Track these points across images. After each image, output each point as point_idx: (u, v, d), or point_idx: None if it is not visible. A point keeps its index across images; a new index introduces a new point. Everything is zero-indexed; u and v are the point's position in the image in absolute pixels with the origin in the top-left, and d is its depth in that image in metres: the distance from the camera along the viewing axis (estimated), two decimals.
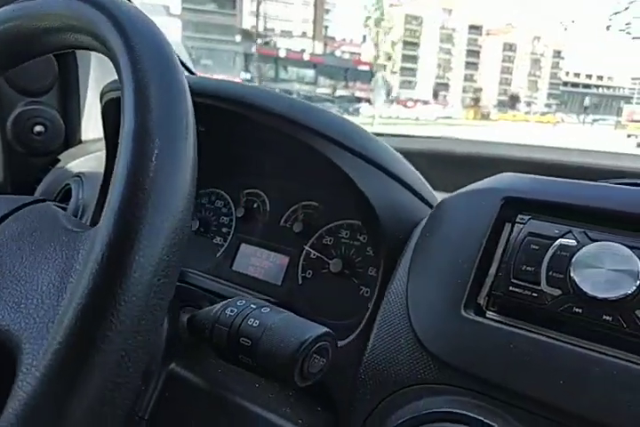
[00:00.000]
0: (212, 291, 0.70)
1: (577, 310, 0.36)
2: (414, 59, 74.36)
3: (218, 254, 0.74)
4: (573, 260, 0.36)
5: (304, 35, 60.98)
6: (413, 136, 0.95)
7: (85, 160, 1.01)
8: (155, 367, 0.47)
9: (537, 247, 0.39)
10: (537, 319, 0.38)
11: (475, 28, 78.20)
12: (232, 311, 0.39)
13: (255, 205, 0.74)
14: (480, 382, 0.38)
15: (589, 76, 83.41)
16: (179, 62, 0.35)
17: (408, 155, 0.59)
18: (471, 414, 0.37)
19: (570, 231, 0.38)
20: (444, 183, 0.65)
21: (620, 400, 0.34)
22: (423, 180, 0.58)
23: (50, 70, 1.04)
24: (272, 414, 0.45)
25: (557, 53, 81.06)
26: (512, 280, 0.39)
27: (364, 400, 0.44)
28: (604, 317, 0.35)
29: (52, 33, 0.39)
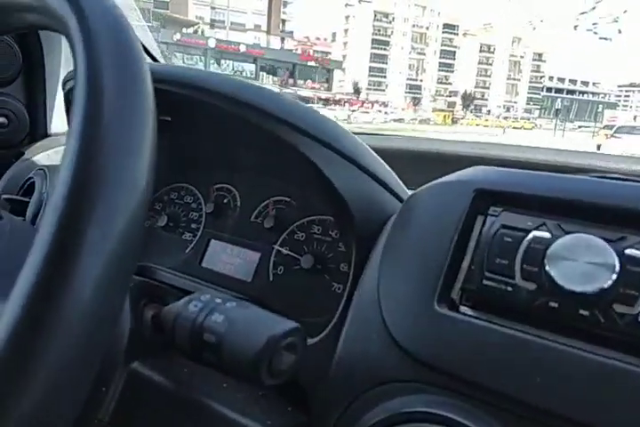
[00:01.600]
0: (181, 288, 0.68)
1: (553, 304, 0.35)
2: (384, 58, 73.25)
3: (187, 251, 0.73)
4: (548, 252, 0.35)
5: (257, 28, 58.24)
6: (388, 135, 0.95)
7: (51, 154, 0.98)
8: (116, 367, 0.45)
9: (510, 240, 0.38)
10: (512, 314, 0.37)
11: (450, 27, 77.44)
12: (195, 306, 0.37)
13: (225, 201, 0.72)
14: (454, 379, 0.37)
15: (574, 82, 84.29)
16: (140, 45, 0.33)
17: (381, 153, 0.58)
18: (446, 414, 0.36)
19: (544, 224, 0.37)
20: (416, 181, 0.64)
21: (597, 398, 0.33)
22: (394, 174, 0.57)
23: (14, 60, 1.00)
24: (239, 415, 0.44)
25: (538, 56, 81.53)
26: (485, 274, 0.38)
27: (337, 399, 0.43)
28: (581, 311, 0.34)
29: (8, 12, 0.37)
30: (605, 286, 0.33)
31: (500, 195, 0.41)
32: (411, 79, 74.12)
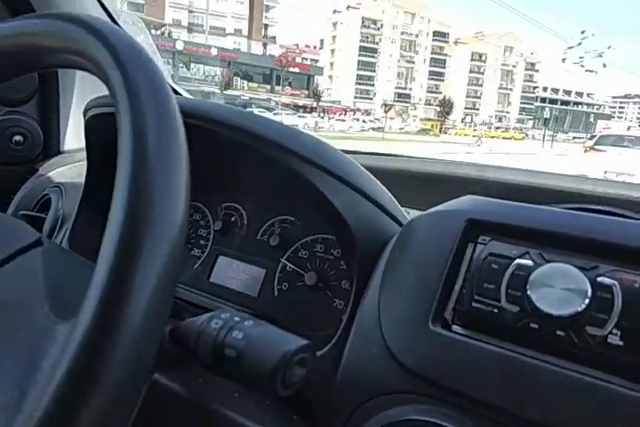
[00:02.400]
0: (191, 302, 0.72)
1: (533, 325, 0.40)
2: (372, 65, 71.45)
3: (195, 266, 0.76)
4: (530, 278, 0.40)
5: (238, 32, 55.58)
6: (382, 154, 0.99)
7: (65, 170, 1.02)
8: None
9: (497, 267, 0.42)
10: (498, 333, 0.42)
11: (440, 35, 75.64)
12: (217, 324, 0.41)
13: (233, 219, 0.76)
14: (446, 391, 0.42)
15: (568, 92, 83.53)
16: (171, 90, 0.37)
17: (375, 172, 0.62)
18: (437, 421, 0.40)
19: (527, 252, 0.42)
20: (409, 200, 0.69)
21: (572, 408, 0.37)
22: (392, 197, 0.61)
23: (30, 81, 1.04)
24: (250, 422, 0.48)
25: (531, 65, 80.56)
26: (474, 297, 0.43)
27: (340, 409, 0.47)
28: (558, 332, 0.39)
29: (47, 52, 0.40)
30: (579, 309, 0.38)
31: (488, 225, 0.45)
32: (399, 88, 72.39)
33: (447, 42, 75.76)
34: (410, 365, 0.43)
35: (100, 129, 0.68)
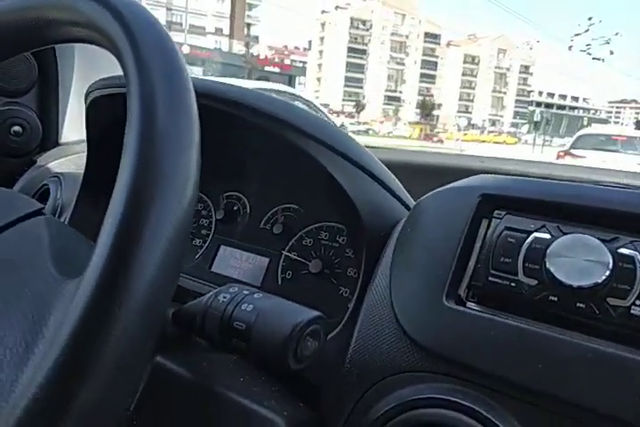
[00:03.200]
0: (192, 290, 0.70)
1: (552, 298, 0.39)
2: (361, 67, 70.66)
3: (197, 256, 0.75)
4: (548, 251, 0.39)
5: (219, 31, 54.22)
6: (392, 148, 0.99)
7: (63, 162, 1.01)
8: None
9: (513, 240, 0.41)
10: (515, 308, 0.41)
11: (432, 36, 74.88)
12: (224, 297, 0.40)
13: (235, 208, 0.75)
14: (462, 368, 0.40)
15: (563, 97, 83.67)
16: (183, 59, 0.36)
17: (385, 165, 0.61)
18: (456, 400, 0.39)
19: (544, 226, 0.41)
20: (418, 193, 0.68)
21: (593, 382, 0.36)
22: (400, 184, 0.61)
23: (30, 72, 1.04)
24: (257, 406, 0.46)
25: (525, 68, 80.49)
26: (491, 271, 0.41)
27: (351, 391, 0.45)
28: (578, 304, 0.38)
29: (55, 25, 0.39)
30: (600, 280, 0.37)
31: (503, 199, 0.44)
32: (389, 90, 71.43)
33: (439, 44, 75.15)
34: (424, 342, 0.42)
35: (103, 112, 0.67)
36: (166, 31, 0.36)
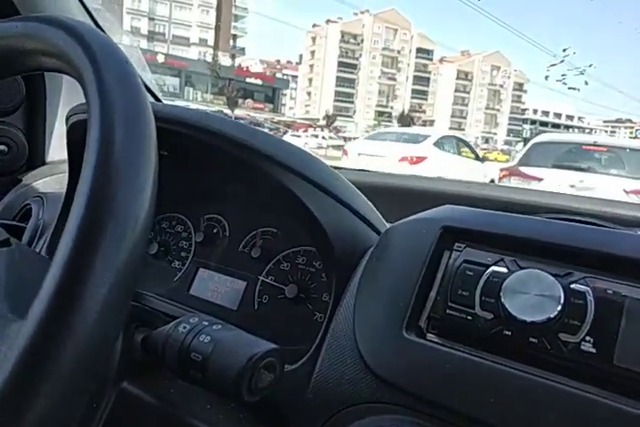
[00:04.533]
0: (168, 314, 0.70)
1: (507, 332, 0.39)
2: (352, 82, 69.35)
3: (175, 278, 0.75)
4: (504, 285, 0.40)
5: (203, 42, 52.88)
6: (368, 171, 1.00)
7: (48, 181, 1.02)
8: (107, 385, 0.48)
9: (472, 273, 0.42)
10: (472, 341, 0.41)
11: (424, 52, 73.26)
12: (184, 328, 0.40)
13: (215, 231, 0.75)
14: (420, 400, 0.41)
15: (558, 115, 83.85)
16: (144, 90, 0.37)
17: (361, 187, 0.62)
18: None
19: (502, 259, 0.42)
20: (395, 215, 0.69)
21: (544, 416, 0.36)
22: (373, 208, 0.61)
23: (17, 92, 1.04)
24: None
25: (519, 86, 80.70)
26: (449, 304, 0.42)
27: (312, 419, 0.46)
28: (531, 339, 0.38)
29: (28, 55, 0.40)
30: (552, 315, 0.37)
31: (463, 232, 0.45)
32: (380, 105, 70.73)
33: (431, 59, 74.87)
34: (383, 374, 0.42)
35: (82, 136, 0.67)
36: (131, 67, 0.38)
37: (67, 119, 0.69)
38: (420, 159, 7.00)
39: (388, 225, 0.61)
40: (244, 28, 59.15)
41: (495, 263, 0.42)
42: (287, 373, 0.50)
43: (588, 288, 0.38)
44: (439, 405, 0.40)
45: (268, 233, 0.70)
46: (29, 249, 0.50)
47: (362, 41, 68.45)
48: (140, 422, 0.49)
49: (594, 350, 0.37)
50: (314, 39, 69.70)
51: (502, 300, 0.39)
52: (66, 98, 1.11)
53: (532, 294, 0.38)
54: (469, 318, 0.41)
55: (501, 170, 5.33)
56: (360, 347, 0.44)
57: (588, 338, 0.37)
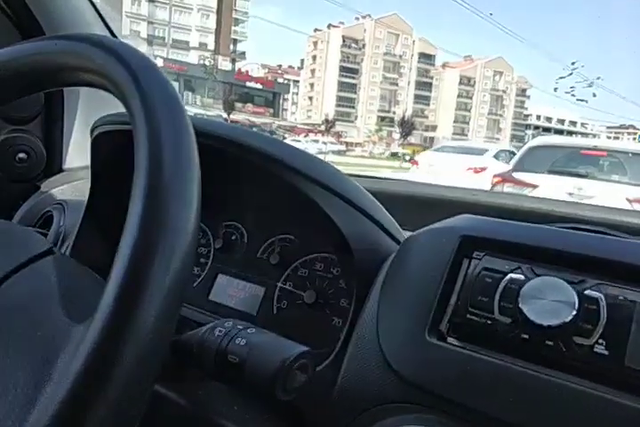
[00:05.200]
0: (190, 319, 0.72)
1: (524, 336, 0.42)
2: (353, 87, 69.07)
3: (195, 284, 0.77)
4: (521, 292, 0.42)
5: (203, 47, 52.27)
6: (381, 178, 1.02)
7: (66, 188, 1.04)
8: None
9: (490, 280, 0.45)
10: (491, 344, 0.44)
11: (426, 57, 72.51)
12: (220, 331, 0.43)
13: (234, 238, 0.77)
14: (441, 399, 0.43)
15: (561, 121, 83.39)
16: (184, 106, 0.40)
17: (376, 195, 0.64)
18: None
19: (519, 267, 0.44)
20: (409, 222, 0.71)
21: (560, 415, 0.39)
22: (390, 217, 0.64)
23: (36, 101, 1.07)
24: None
25: (522, 91, 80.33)
26: (469, 309, 0.45)
27: (337, 420, 0.48)
28: (547, 342, 0.41)
29: (65, 70, 0.42)
30: (567, 320, 0.40)
31: (482, 241, 0.48)
32: (382, 111, 70.33)
33: (433, 64, 74.39)
34: (407, 375, 0.45)
35: (107, 146, 0.70)
36: (167, 78, 0.40)
37: (92, 130, 0.71)
38: (483, 169, 7.99)
39: (405, 233, 0.63)
40: (244, 32, 58.93)
41: (513, 271, 0.44)
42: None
43: (601, 294, 0.41)
44: (460, 404, 0.42)
45: (285, 240, 0.72)
46: (68, 257, 0.53)
47: (363, 46, 68.12)
48: (171, 422, 0.51)
49: (606, 353, 0.39)
50: (315, 44, 69.45)
51: (520, 305, 0.42)
52: (83, 107, 1.14)
53: (549, 300, 0.41)
54: (489, 322, 0.44)
55: (494, 176, 4.94)
56: (384, 350, 0.47)
57: (600, 341, 0.40)
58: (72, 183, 1.06)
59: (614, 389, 0.39)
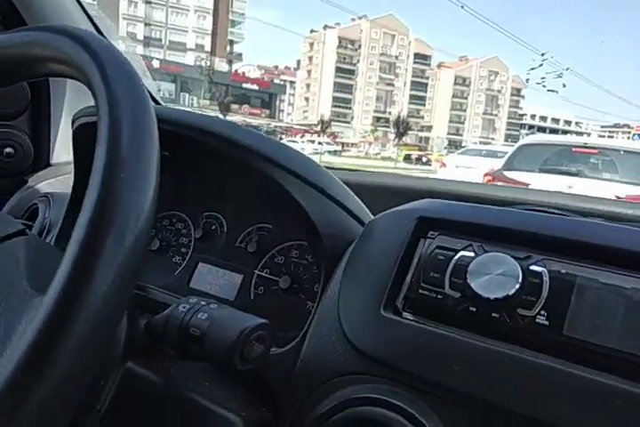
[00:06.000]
0: (169, 304, 0.75)
1: (472, 308, 0.44)
2: (349, 87, 68.57)
3: (176, 273, 0.79)
4: (469, 267, 0.45)
5: (200, 48, 52.28)
6: (358, 170, 1.05)
7: (53, 182, 1.06)
8: (113, 365, 0.52)
9: (442, 258, 0.47)
10: (442, 317, 0.46)
11: (422, 57, 72.45)
12: (184, 307, 0.45)
13: (213, 227, 0.79)
14: (395, 370, 0.46)
15: (556, 121, 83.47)
16: (147, 92, 0.41)
17: (351, 186, 0.66)
18: (385, 398, 0.44)
19: (470, 245, 0.47)
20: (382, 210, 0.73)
21: (505, 382, 0.41)
22: (361, 203, 0.66)
23: (23, 97, 1.09)
24: (219, 408, 0.51)
25: (517, 91, 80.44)
26: (422, 285, 0.47)
27: (299, 391, 0.51)
28: (493, 314, 0.43)
29: (39, 62, 0.44)
30: (510, 293, 0.42)
31: (436, 221, 0.50)
32: (378, 111, 70.35)
33: (429, 65, 74.38)
34: (364, 348, 0.47)
35: (87, 138, 0.72)
36: (135, 70, 0.42)
37: (72, 122, 0.73)
38: None
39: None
40: (241, 33, 58.84)
41: (464, 248, 0.47)
42: (278, 354, 0.54)
43: (545, 269, 0.43)
44: (412, 374, 0.45)
45: (263, 229, 0.74)
46: (41, 240, 0.55)
47: (359, 46, 68.09)
48: (144, 398, 0.53)
49: (547, 323, 0.42)
50: (311, 45, 69.45)
51: (468, 280, 0.44)
52: (69, 102, 1.16)
53: (494, 274, 0.43)
54: (440, 297, 0.46)
55: (485, 175, 4.95)
56: (343, 325, 0.49)
57: (542, 312, 0.42)
58: (58, 178, 1.08)
59: (553, 356, 0.41)
